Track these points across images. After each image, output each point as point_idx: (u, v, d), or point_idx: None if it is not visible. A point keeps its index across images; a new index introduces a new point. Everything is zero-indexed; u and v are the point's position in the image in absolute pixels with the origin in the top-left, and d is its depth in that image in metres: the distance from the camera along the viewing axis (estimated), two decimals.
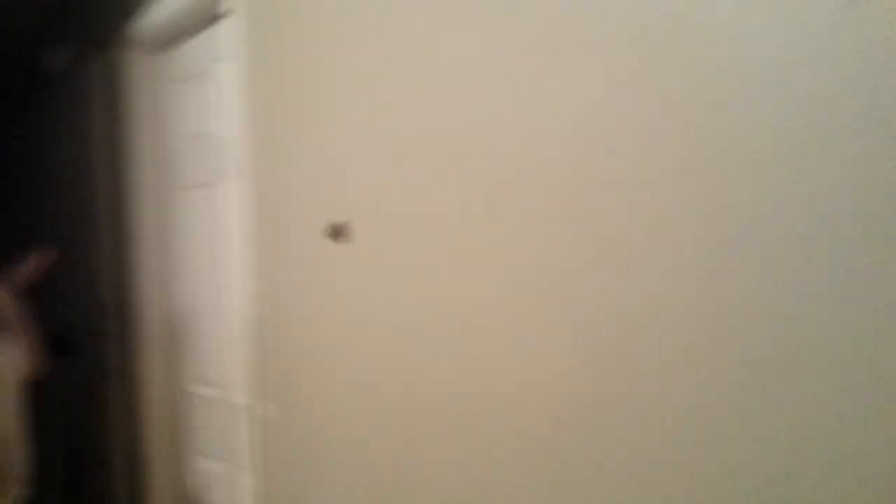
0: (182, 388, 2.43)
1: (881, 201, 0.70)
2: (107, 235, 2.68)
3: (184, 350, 2.41)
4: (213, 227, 2.20)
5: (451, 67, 1.18)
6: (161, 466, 2.46)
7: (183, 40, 2.32)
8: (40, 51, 3.28)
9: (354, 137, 1.43)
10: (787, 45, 0.75)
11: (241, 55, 1.82)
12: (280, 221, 1.71)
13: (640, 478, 0.93)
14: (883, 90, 0.69)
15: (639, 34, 0.90)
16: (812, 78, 0.73)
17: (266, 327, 1.78)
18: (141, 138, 2.50)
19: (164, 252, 2.52)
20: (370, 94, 1.38)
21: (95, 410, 2.81)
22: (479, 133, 1.14)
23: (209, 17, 2.12)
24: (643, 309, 0.92)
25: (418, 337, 1.29)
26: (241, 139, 1.83)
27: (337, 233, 1.48)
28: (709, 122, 0.83)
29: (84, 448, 2.98)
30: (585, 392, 1.00)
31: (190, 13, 2.13)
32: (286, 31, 1.65)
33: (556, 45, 1.01)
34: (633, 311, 0.93)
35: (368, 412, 1.43)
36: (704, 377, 0.85)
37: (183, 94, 2.35)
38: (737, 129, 0.80)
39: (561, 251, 1.02)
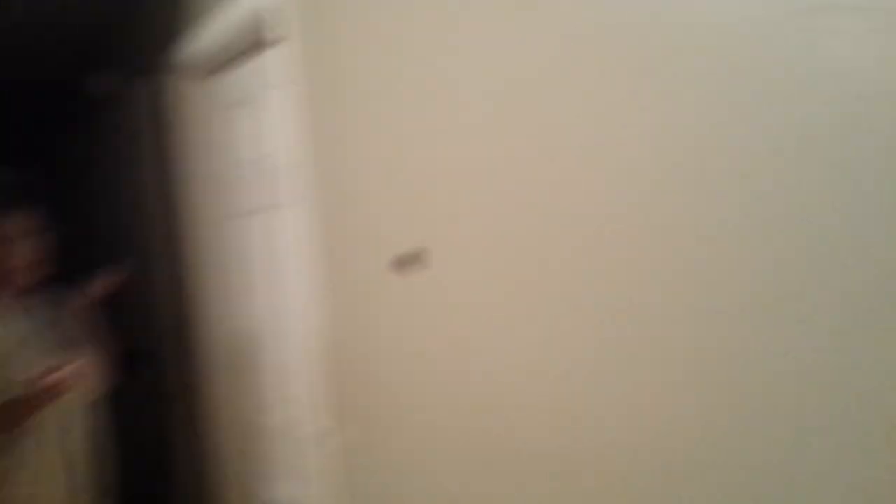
0: (250, 414, 2.41)
1: None
2: (164, 260, 2.69)
3: (249, 374, 2.40)
4: (270, 252, 2.19)
5: (531, 81, 1.12)
6: (230, 492, 2.45)
7: (229, 67, 2.30)
8: (88, 76, 3.31)
9: (427, 159, 1.38)
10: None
11: (297, 80, 1.80)
12: (347, 247, 1.67)
13: None
14: None
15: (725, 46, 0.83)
16: None
17: (334, 354, 1.75)
18: (192, 164, 2.51)
19: (223, 277, 2.51)
20: (441, 112, 1.32)
21: (166, 431, 2.83)
22: (571, 151, 1.08)
23: (256, 45, 2.09)
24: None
25: (505, 369, 1.23)
26: (299, 164, 1.81)
27: (403, 265, 1.43)
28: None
29: (154, 468, 3.00)
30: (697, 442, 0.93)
31: (236, 41, 2.12)
32: (344, 54, 1.62)
33: (645, 62, 0.95)
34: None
35: (446, 441, 1.38)
36: None
37: (232, 121, 2.34)
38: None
39: (677, 282, 0.95)
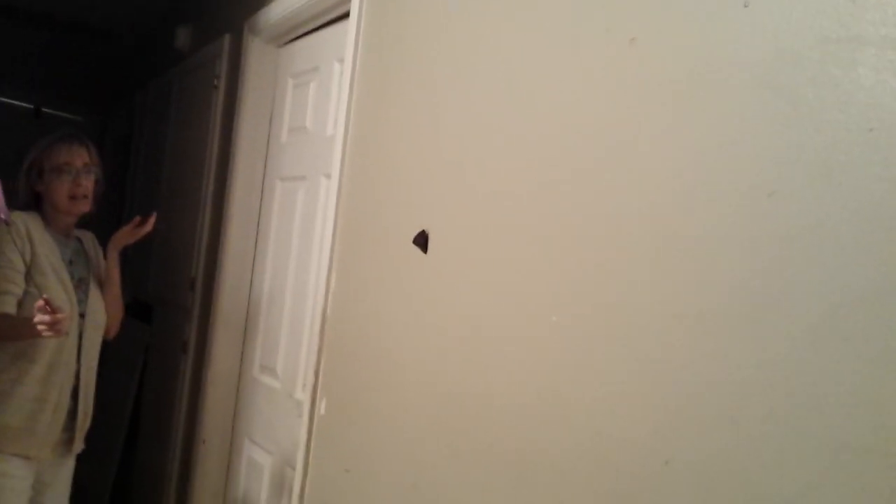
0: (248, 374, 2.46)
1: None
2: (207, 214, 2.76)
3: (255, 336, 2.45)
4: (303, 219, 2.24)
5: (559, 94, 1.15)
6: (215, 446, 2.50)
7: (306, 35, 2.37)
8: (171, 30, 3.43)
9: (445, 149, 1.42)
10: None
11: (352, 56, 1.83)
12: (362, 222, 1.70)
13: None
14: None
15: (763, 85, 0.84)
16: None
17: (331, 323, 1.77)
18: (252, 126, 2.57)
19: (255, 238, 2.57)
20: (469, 108, 1.37)
21: (165, 380, 2.89)
22: (578, 160, 1.10)
23: (333, 15, 2.15)
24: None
25: (485, 358, 1.25)
26: (340, 137, 1.84)
27: (424, 240, 1.46)
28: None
29: (146, 414, 3.07)
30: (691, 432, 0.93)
31: (315, 9, 2.18)
32: (397, 38, 1.66)
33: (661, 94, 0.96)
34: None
35: (421, 424, 1.39)
36: None
37: (297, 88, 2.40)
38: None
39: (658, 284, 0.95)
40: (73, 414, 2.05)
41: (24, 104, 3.91)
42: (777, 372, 0.80)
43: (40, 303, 1.70)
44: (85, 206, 2.07)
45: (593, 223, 1.06)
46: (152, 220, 2.19)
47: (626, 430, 0.97)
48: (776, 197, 0.81)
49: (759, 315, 0.82)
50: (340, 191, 1.82)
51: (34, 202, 2.05)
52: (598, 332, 1.03)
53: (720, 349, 0.86)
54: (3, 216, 1.78)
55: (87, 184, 2.06)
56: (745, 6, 0.87)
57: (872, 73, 0.73)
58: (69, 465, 2.14)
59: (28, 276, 1.91)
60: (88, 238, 2.20)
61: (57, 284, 1.97)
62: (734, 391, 0.84)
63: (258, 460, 2.27)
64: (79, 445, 2.11)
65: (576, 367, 1.06)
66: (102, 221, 2.20)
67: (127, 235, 2.18)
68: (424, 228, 1.45)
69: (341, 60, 2.08)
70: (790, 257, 0.80)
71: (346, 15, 2.01)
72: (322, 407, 1.75)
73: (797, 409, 0.78)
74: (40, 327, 1.68)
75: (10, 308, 1.85)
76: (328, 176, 2.06)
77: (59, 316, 1.69)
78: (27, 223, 1.96)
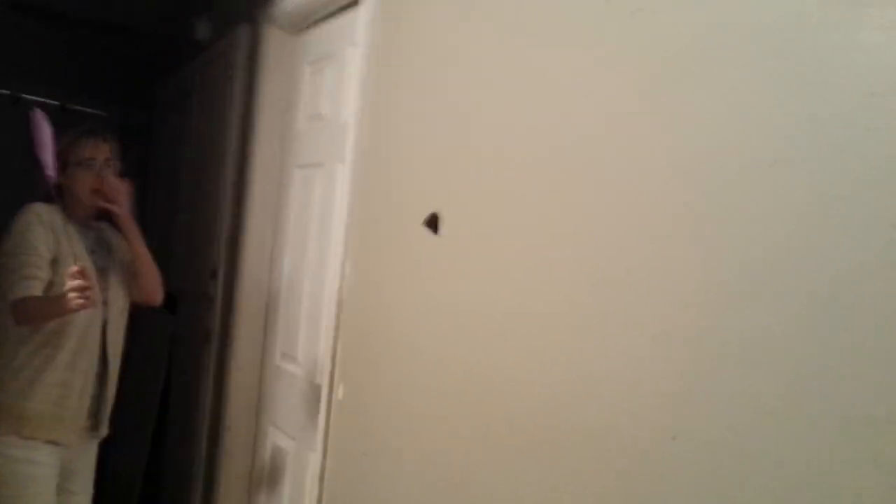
0: (270, 361, 2.49)
1: None
2: (228, 204, 2.77)
3: (276, 323, 2.47)
4: (321, 207, 2.24)
5: (564, 72, 1.15)
6: (240, 432, 2.54)
7: (321, 22, 2.37)
8: (188, 21, 3.45)
9: (456, 130, 1.41)
10: None
11: (366, 41, 1.83)
12: (375, 207, 1.71)
13: None
14: None
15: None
16: None
17: (347, 309, 1.78)
18: (270, 114, 2.58)
19: (275, 227, 2.59)
20: (477, 89, 1.36)
21: (190, 369, 2.93)
22: (583, 137, 1.10)
23: (348, 1, 2.14)
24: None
25: (502, 338, 1.24)
26: (354, 123, 1.84)
27: (435, 223, 1.46)
28: None
29: (174, 402, 3.11)
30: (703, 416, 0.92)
31: None
32: (408, 21, 1.66)
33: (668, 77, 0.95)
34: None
35: (438, 406, 1.39)
36: None
37: (314, 76, 2.40)
38: None
39: (673, 261, 0.94)
40: (98, 399, 2.10)
41: (47, 100, 3.98)
42: (784, 345, 0.79)
43: (74, 269, 1.73)
44: (100, 199, 2.08)
45: (601, 200, 1.05)
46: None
47: (636, 405, 0.96)
48: (778, 166, 0.79)
49: (765, 288, 0.81)
50: (354, 176, 1.82)
51: (55, 194, 2.07)
52: (605, 309, 1.02)
53: (727, 324, 0.85)
54: (49, 174, 1.80)
55: (109, 178, 2.09)
56: None
57: (873, 35, 0.71)
58: (93, 450, 2.19)
59: (52, 266, 1.94)
60: (107, 228, 2.23)
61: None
62: (741, 366, 0.83)
63: (282, 445, 2.29)
64: (103, 430, 2.15)
65: (584, 345, 1.05)
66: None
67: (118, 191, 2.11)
68: (435, 211, 1.45)
69: (355, 45, 2.07)
70: (795, 228, 0.78)
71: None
72: (339, 392, 1.77)
73: (805, 382, 0.77)
74: (71, 295, 1.70)
75: (37, 293, 1.88)
76: (344, 162, 2.06)
77: (90, 282, 1.73)
78: (50, 214, 2.00)
